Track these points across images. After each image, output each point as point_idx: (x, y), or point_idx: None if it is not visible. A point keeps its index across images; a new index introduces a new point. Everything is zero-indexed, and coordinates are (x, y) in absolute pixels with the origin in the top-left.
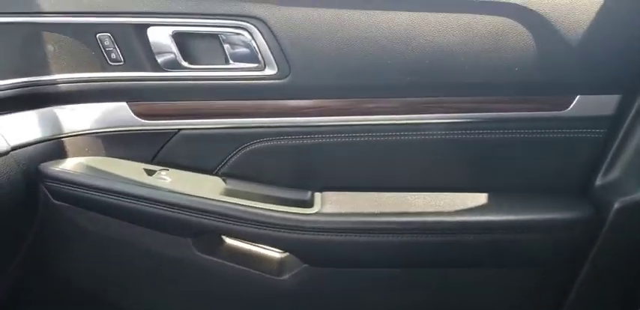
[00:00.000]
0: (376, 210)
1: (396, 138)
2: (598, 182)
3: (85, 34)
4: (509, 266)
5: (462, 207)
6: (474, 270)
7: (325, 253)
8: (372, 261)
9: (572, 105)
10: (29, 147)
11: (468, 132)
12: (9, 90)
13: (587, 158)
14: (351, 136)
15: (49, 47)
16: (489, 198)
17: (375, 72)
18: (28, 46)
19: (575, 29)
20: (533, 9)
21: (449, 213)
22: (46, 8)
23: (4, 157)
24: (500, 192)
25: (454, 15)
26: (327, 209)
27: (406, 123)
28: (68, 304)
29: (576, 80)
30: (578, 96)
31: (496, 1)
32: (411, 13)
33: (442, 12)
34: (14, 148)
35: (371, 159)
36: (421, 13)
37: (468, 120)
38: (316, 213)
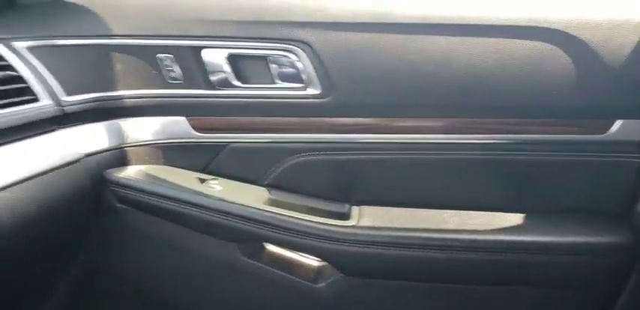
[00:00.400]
0: (411, 226)
1: (434, 156)
2: (639, 208)
3: (147, 54)
4: (543, 287)
5: (498, 226)
6: (509, 289)
7: (360, 264)
8: (404, 274)
9: (611, 130)
10: (97, 155)
11: (505, 153)
12: (82, 105)
13: (627, 183)
14: (389, 153)
15: (117, 66)
16: (526, 218)
17: (414, 93)
18: (98, 65)
19: (615, 54)
20: (574, 34)
21: (484, 232)
22: (114, 32)
23: (76, 164)
24: (537, 214)
25: (493, 39)
26: (364, 222)
27: (444, 143)
28: (122, 300)
29: (616, 105)
30: (617, 121)
31: (536, 26)
32: (450, 37)
33: (481, 36)
34: (85, 156)
35: (408, 176)
36: (461, 38)
37: (506, 141)
38: (353, 226)
